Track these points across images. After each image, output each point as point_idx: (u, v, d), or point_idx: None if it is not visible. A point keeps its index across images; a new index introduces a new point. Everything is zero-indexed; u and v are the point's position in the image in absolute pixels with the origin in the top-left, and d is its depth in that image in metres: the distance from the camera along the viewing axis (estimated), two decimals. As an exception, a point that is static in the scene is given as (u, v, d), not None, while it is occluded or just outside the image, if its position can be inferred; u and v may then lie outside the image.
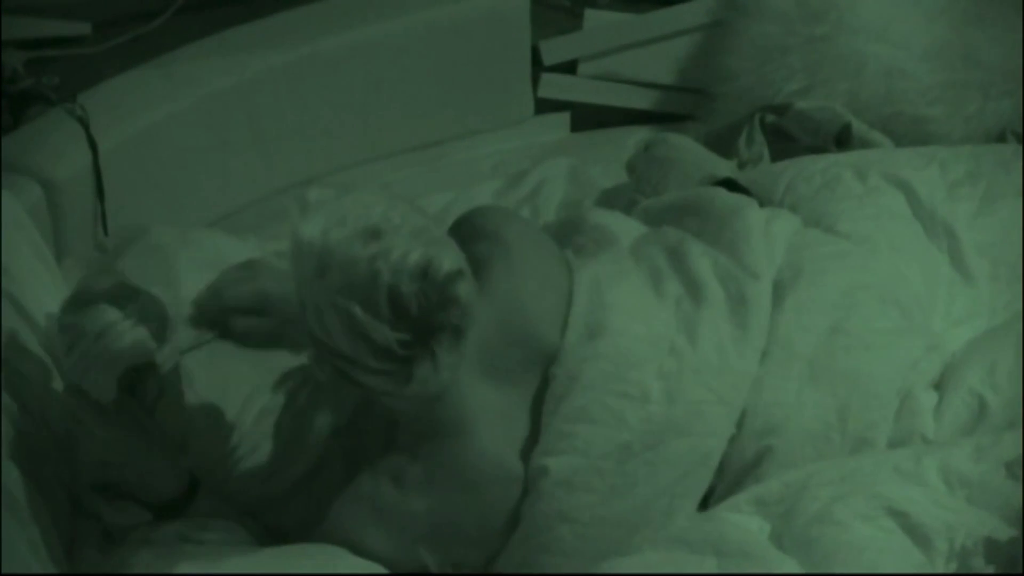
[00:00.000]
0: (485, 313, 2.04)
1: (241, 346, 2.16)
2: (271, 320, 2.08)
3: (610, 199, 2.76)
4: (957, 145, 2.66)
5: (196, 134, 2.80)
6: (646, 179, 2.65)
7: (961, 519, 1.98)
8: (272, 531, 2.16)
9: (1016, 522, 1.96)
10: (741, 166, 2.75)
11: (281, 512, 2.19)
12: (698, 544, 1.98)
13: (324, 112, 2.95)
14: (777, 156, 2.75)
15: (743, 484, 2.11)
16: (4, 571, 1.82)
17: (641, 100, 3.22)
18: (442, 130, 3.11)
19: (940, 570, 1.95)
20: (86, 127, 2.62)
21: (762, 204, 2.40)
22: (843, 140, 2.75)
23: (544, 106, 3.20)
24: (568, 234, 2.33)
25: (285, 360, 2.26)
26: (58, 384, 2.19)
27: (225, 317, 2.10)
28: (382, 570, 2.01)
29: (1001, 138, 2.81)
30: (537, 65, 3.16)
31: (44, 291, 2.29)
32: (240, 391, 2.24)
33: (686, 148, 2.71)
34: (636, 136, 3.10)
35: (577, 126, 3.23)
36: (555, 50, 3.16)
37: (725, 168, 2.63)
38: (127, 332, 2.06)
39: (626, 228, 2.33)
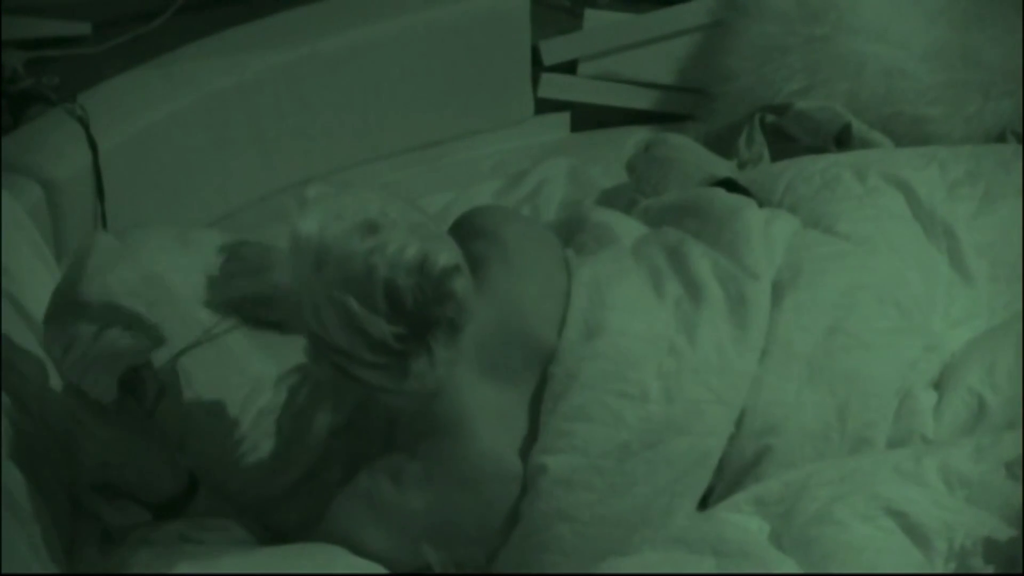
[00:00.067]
0: (483, 312, 2.04)
1: (253, 332, 2.17)
2: (279, 310, 2.08)
3: (610, 199, 2.76)
4: (957, 145, 2.66)
5: (196, 134, 2.80)
6: (646, 179, 2.65)
7: (960, 519, 1.98)
8: (272, 531, 2.16)
9: (1016, 522, 1.96)
10: (741, 166, 2.75)
11: (281, 512, 2.19)
12: (697, 544, 1.98)
13: (324, 112, 2.96)
14: (777, 156, 2.75)
15: (742, 484, 2.11)
16: (4, 571, 1.82)
17: (641, 100, 3.22)
18: (442, 130, 3.11)
19: (939, 570, 1.95)
20: (86, 127, 2.62)
21: (761, 204, 2.40)
22: (843, 140, 2.75)
23: (544, 106, 3.20)
24: (571, 232, 2.34)
25: (285, 360, 2.26)
26: (57, 384, 2.19)
27: (235, 305, 2.10)
28: (382, 570, 2.01)
29: (1001, 138, 2.81)
30: (537, 65, 3.16)
31: (44, 291, 2.29)
32: (240, 391, 2.24)
33: (686, 148, 2.71)
34: (636, 136, 3.10)
35: (577, 126, 3.23)
36: (555, 50, 3.16)
37: (725, 168, 2.63)
38: (127, 334, 2.07)
39: (628, 227, 2.33)
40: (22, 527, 1.93)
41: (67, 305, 2.11)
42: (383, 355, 1.91)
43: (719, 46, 3.08)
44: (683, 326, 2.14)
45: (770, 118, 2.83)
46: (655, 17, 3.17)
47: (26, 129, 2.68)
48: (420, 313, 1.90)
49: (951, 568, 1.95)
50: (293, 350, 2.04)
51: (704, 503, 2.12)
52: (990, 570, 1.93)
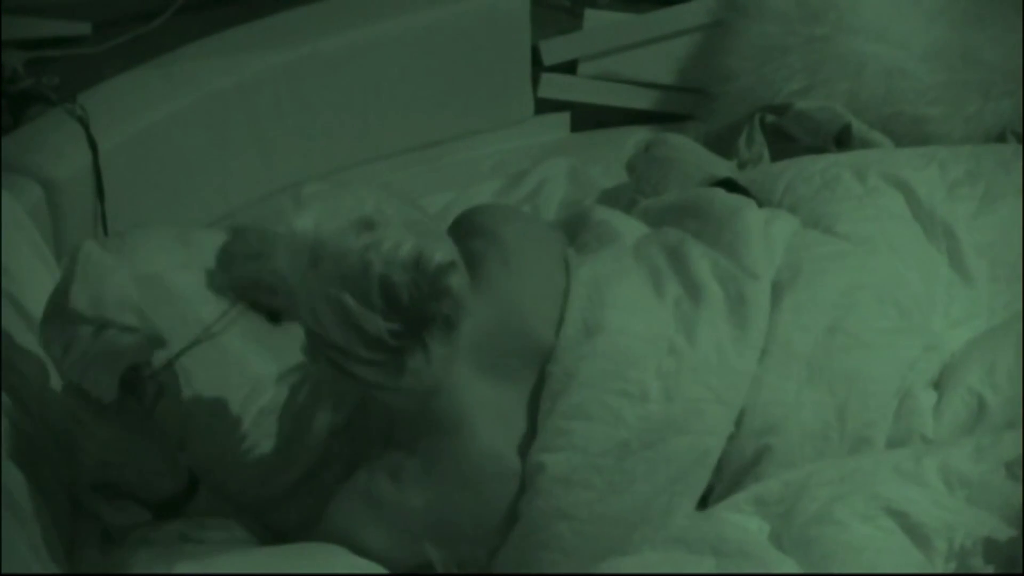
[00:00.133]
0: (480, 310, 2.05)
1: (252, 331, 2.18)
2: (281, 296, 2.07)
3: (610, 199, 2.76)
4: (957, 145, 2.66)
5: (196, 134, 2.80)
6: (646, 179, 2.65)
7: (960, 519, 1.98)
8: (272, 530, 2.16)
9: (1016, 522, 1.96)
10: (741, 166, 2.75)
11: (281, 512, 2.19)
12: (697, 544, 1.98)
13: (324, 112, 2.96)
14: (777, 156, 2.75)
15: (742, 483, 2.11)
16: (4, 571, 1.82)
17: (641, 100, 3.22)
18: (442, 130, 3.11)
19: (939, 570, 1.95)
20: (86, 127, 2.62)
21: (761, 204, 2.40)
22: (843, 140, 2.75)
23: (544, 106, 3.20)
24: (574, 231, 2.34)
25: (285, 359, 2.26)
26: (57, 384, 2.19)
27: (239, 290, 2.10)
28: (381, 570, 2.01)
29: (1001, 138, 2.81)
30: (537, 65, 3.16)
31: (44, 291, 2.28)
32: (240, 391, 2.24)
33: (686, 148, 2.71)
34: (636, 136, 3.10)
35: (577, 126, 3.23)
36: (555, 50, 3.16)
37: (725, 168, 2.63)
38: (127, 332, 2.06)
39: (630, 227, 2.33)
40: (22, 527, 1.93)
41: (63, 308, 2.11)
42: (379, 352, 1.92)
43: (719, 46, 3.08)
44: (683, 326, 2.14)
45: (770, 118, 2.83)
46: (655, 17, 3.17)
47: (26, 129, 2.68)
48: (416, 309, 1.90)
49: (951, 568, 1.95)
50: (293, 350, 2.04)
51: (704, 503, 2.12)
52: (990, 570, 1.93)
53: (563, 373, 2.07)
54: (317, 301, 1.90)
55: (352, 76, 2.96)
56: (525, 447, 2.06)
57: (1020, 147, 2.65)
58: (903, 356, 2.19)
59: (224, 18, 2.94)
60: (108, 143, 2.64)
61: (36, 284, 2.30)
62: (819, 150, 2.71)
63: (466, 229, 2.18)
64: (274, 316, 2.01)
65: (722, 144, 2.82)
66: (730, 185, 2.50)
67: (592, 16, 3.17)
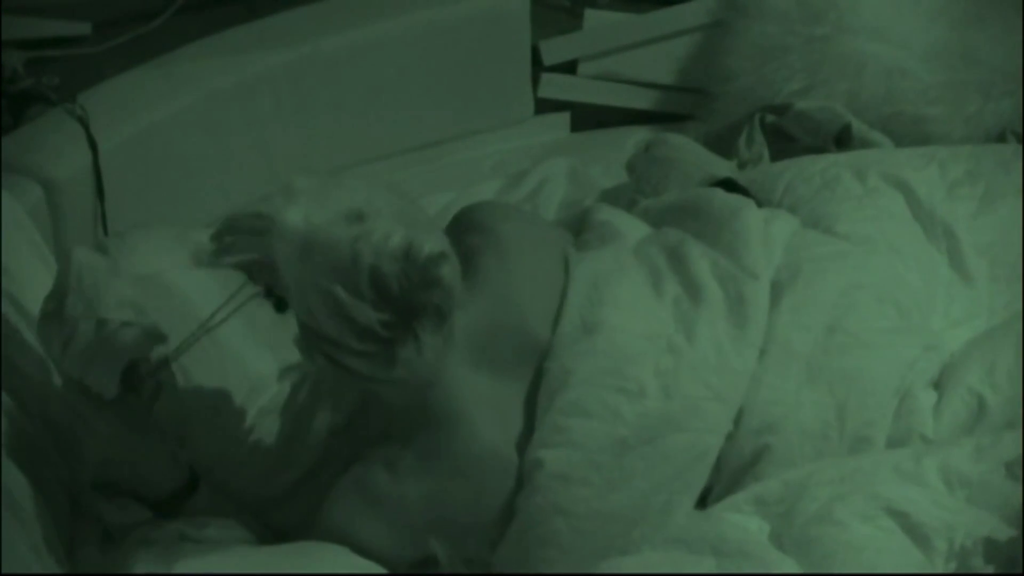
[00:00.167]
0: (476, 305, 2.05)
1: (252, 330, 2.19)
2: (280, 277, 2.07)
3: (610, 199, 2.76)
4: (957, 145, 2.66)
5: (196, 134, 2.80)
6: (646, 179, 2.65)
7: (960, 519, 1.98)
8: (273, 530, 2.16)
9: (1016, 522, 1.96)
10: (741, 166, 2.75)
11: (281, 512, 2.19)
12: (697, 544, 1.98)
13: (324, 112, 2.95)
14: (777, 156, 2.75)
15: (742, 483, 2.11)
16: (4, 571, 1.82)
17: (641, 100, 3.22)
18: (442, 130, 3.11)
19: (939, 570, 1.95)
20: (86, 127, 2.62)
21: (761, 204, 2.40)
22: (843, 140, 2.75)
23: (544, 106, 3.20)
24: (576, 231, 2.34)
25: (285, 358, 2.26)
26: (58, 383, 2.19)
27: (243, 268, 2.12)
28: (381, 570, 2.01)
29: (1001, 138, 2.81)
30: (537, 65, 3.16)
31: (44, 291, 2.28)
32: (240, 390, 2.24)
33: (686, 148, 2.71)
34: (636, 136, 3.10)
35: (577, 126, 3.23)
36: (555, 50, 3.16)
37: (725, 168, 2.64)
38: (127, 328, 2.06)
39: (632, 226, 2.34)
40: (22, 527, 1.93)
41: (60, 309, 2.11)
42: (370, 343, 1.92)
43: (719, 46, 3.08)
44: (682, 325, 2.14)
45: (770, 118, 2.83)
46: (655, 17, 3.17)
47: (26, 129, 2.67)
48: (406, 299, 1.91)
49: (951, 568, 1.95)
50: (293, 348, 2.04)
51: (703, 502, 2.12)
52: (990, 570, 1.93)
53: (560, 370, 2.08)
54: (308, 292, 1.90)
55: (352, 76, 2.96)
56: (523, 443, 2.06)
57: (1020, 147, 2.65)
58: (903, 356, 2.19)
59: (224, 18, 2.94)
60: (108, 143, 2.64)
61: (36, 284, 2.30)
62: (819, 150, 2.71)
63: (464, 225, 2.18)
64: (281, 304, 2.02)
65: (722, 144, 2.82)
66: (730, 185, 2.50)
67: (592, 16, 3.17)
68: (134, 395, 2.09)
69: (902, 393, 2.18)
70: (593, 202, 2.72)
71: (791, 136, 2.80)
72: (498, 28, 3.08)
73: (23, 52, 2.80)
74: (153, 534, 2.06)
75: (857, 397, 2.14)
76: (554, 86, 3.18)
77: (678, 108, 3.20)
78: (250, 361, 2.24)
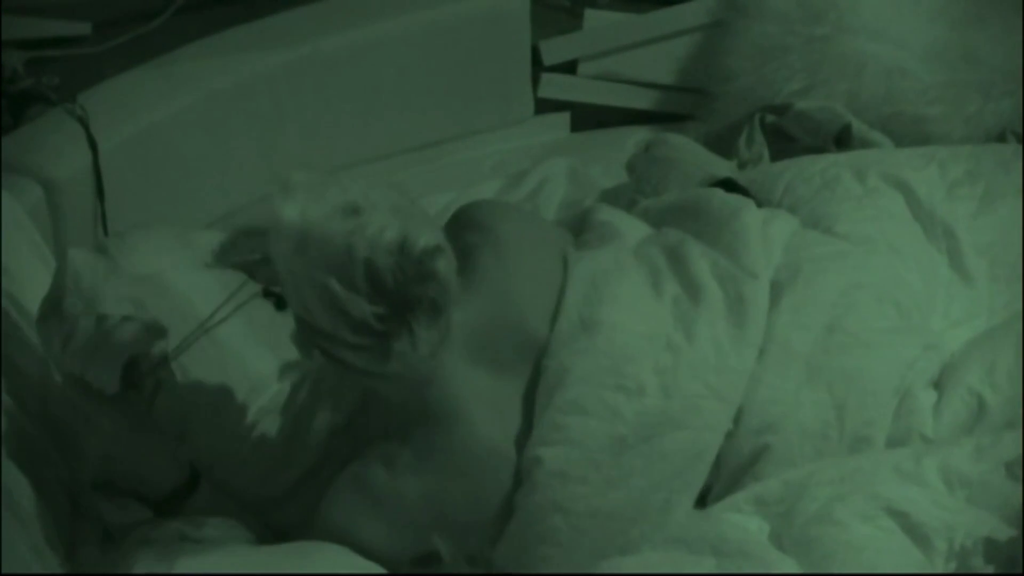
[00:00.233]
0: (475, 303, 2.06)
1: (251, 329, 2.20)
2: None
3: (610, 199, 2.76)
4: (957, 145, 2.66)
5: (196, 134, 2.80)
6: (646, 179, 2.65)
7: (960, 519, 1.98)
8: (273, 529, 2.16)
9: (1016, 522, 1.96)
10: (741, 166, 2.75)
11: (281, 512, 2.19)
12: (697, 544, 1.98)
13: (324, 112, 2.96)
14: (777, 156, 2.75)
15: (741, 482, 2.11)
16: (4, 571, 1.82)
17: (641, 100, 3.22)
18: (442, 130, 3.12)
19: (939, 570, 1.95)
20: (86, 127, 2.62)
21: (761, 204, 2.40)
22: (843, 140, 2.75)
23: (544, 106, 3.20)
24: (576, 231, 2.34)
25: (285, 358, 2.26)
26: (58, 382, 2.18)
27: (244, 269, 2.13)
28: (380, 570, 2.01)
29: (1001, 138, 2.81)
30: (537, 65, 3.16)
31: (44, 291, 2.29)
32: (240, 389, 2.24)
33: (686, 148, 2.71)
34: (636, 136, 3.11)
35: (577, 126, 3.23)
36: (555, 50, 3.16)
37: (725, 168, 2.64)
38: (127, 324, 2.07)
39: (632, 227, 2.34)
40: (22, 527, 1.93)
41: (59, 308, 2.11)
42: (365, 336, 1.92)
43: (719, 46, 3.08)
44: (681, 324, 2.14)
45: (770, 118, 2.83)
46: (655, 17, 3.18)
47: (26, 129, 2.68)
48: (400, 293, 1.91)
49: (951, 568, 1.95)
50: (292, 348, 2.04)
51: (703, 502, 2.12)
52: (990, 570, 1.93)
53: (558, 368, 2.08)
54: (303, 286, 1.91)
55: (352, 76, 2.96)
56: (522, 440, 2.06)
57: (1020, 147, 2.65)
58: (902, 355, 2.19)
59: (224, 18, 2.94)
60: (108, 143, 2.64)
61: (36, 284, 2.30)
62: (819, 150, 2.71)
63: (463, 224, 2.19)
64: (280, 304, 2.02)
65: (722, 144, 2.82)
66: (730, 185, 2.50)
67: (592, 16, 3.17)
68: (134, 392, 2.09)
69: (902, 393, 2.18)
70: (593, 202, 2.72)
71: (791, 136, 2.80)
72: (498, 28, 3.08)
73: (23, 52, 2.80)
74: (153, 534, 2.06)
75: (857, 396, 2.14)
76: (554, 86, 3.18)
77: (678, 108, 3.21)
78: (250, 360, 2.24)
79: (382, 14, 3.00)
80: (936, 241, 2.38)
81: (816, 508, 2.01)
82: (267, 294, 2.28)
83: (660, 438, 2.06)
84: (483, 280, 2.11)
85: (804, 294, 2.21)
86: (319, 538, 2.05)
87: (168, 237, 2.42)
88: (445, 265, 1.94)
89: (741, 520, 2.04)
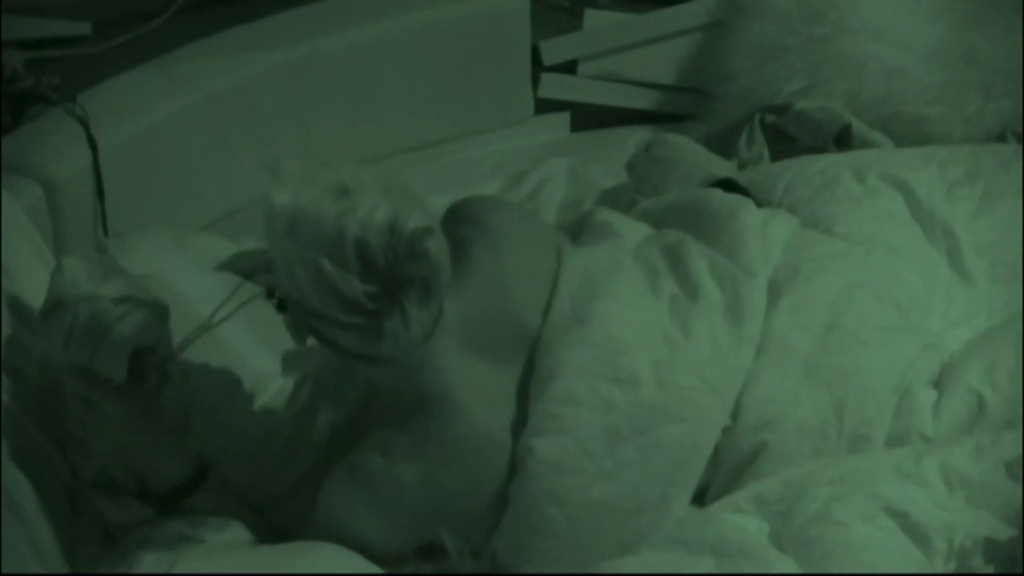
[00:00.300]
0: (469, 293, 2.07)
1: (252, 327, 2.20)
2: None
3: (610, 199, 2.76)
4: (957, 145, 2.66)
5: (196, 134, 2.80)
6: (646, 179, 2.65)
7: (960, 519, 1.98)
8: (275, 528, 2.16)
9: (1016, 522, 1.97)
10: (741, 166, 2.75)
11: (282, 510, 2.19)
12: (696, 544, 1.98)
13: (324, 112, 2.96)
14: (777, 156, 2.75)
15: (740, 480, 2.11)
16: (4, 571, 1.82)
17: (641, 100, 3.23)
18: (442, 130, 3.12)
19: (939, 570, 1.95)
20: (86, 127, 2.62)
21: (760, 205, 2.41)
22: (843, 140, 2.76)
23: (544, 106, 3.20)
24: (575, 233, 2.35)
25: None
26: (60, 380, 2.18)
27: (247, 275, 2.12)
28: (378, 570, 2.01)
29: (1001, 138, 2.81)
30: (537, 65, 3.16)
31: (44, 291, 2.29)
32: (239, 389, 2.24)
33: (686, 148, 2.72)
34: (636, 136, 3.11)
35: (577, 126, 3.23)
36: (555, 50, 3.16)
37: (725, 168, 2.64)
38: (132, 312, 2.07)
39: (632, 229, 2.34)
40: (22, 527, 1.93)
41: (60, 302, 2.11)
42: (357, 315, 1.93)
43: (719, 46, 3.08)
44: (678, 320, 2.15)
45: (770, 118, 2.83)
46: (655, 17, 3.18)
47: (26, 129, 2.67)
48: (392, 272, 1.91)
49: (951, 568, 1.95)
50: (292, 346, 2.05)
51: (701, 499, 2.12)
52: (990, 570, 1.93)
53: (551, 358, 2.08)
54: (295, 266, 1.91)
55: (352, 76, 2.96)
56: (518, 430, 2.06)
57: (1020, 147, 2.65)
58: (902, 354, 2.20)
59: (224, 18, 2.94)
60: (108, 143, 2.64)
61: (36, 284, 2.30)
62: (819, 150, 2.72)
63: (457, 218, 2.20)
64: (281, 305, 2.03)
65: (722, 144, 2.82)
66: (730, 185, 2.50)
67: (592, 16, 3.18)
68: (139, 385, 2.09)
69: (902, 391, 2.18)
70: (593, 205, 2.72)
71: (791, 136, 2.80)
72: (498, 28, 3.08)
73: (23, 52, 2.80)
74: (153, 534, 2.06)
75: (856, 395, 2.14)
76: (554, 86, 3.19)
77: (678, 108, 3.21)
78: (251, 359, 2.25)
79: (382, 14, 3.00)
80: (936, 241, 2.38)
81: (816, 508, 2.01)
82: (269, 295, 2.28)
83: (655, 430, 2.07)
84: (477, 272, 2.12)
85: (803, 293, 2.21)
86: (317, 531, 2.05)
87: (167, 239, 2.42)
88: (436, 246, 1.95)
89: (741, 520, 2.04)
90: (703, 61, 3.15)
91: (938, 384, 2.22)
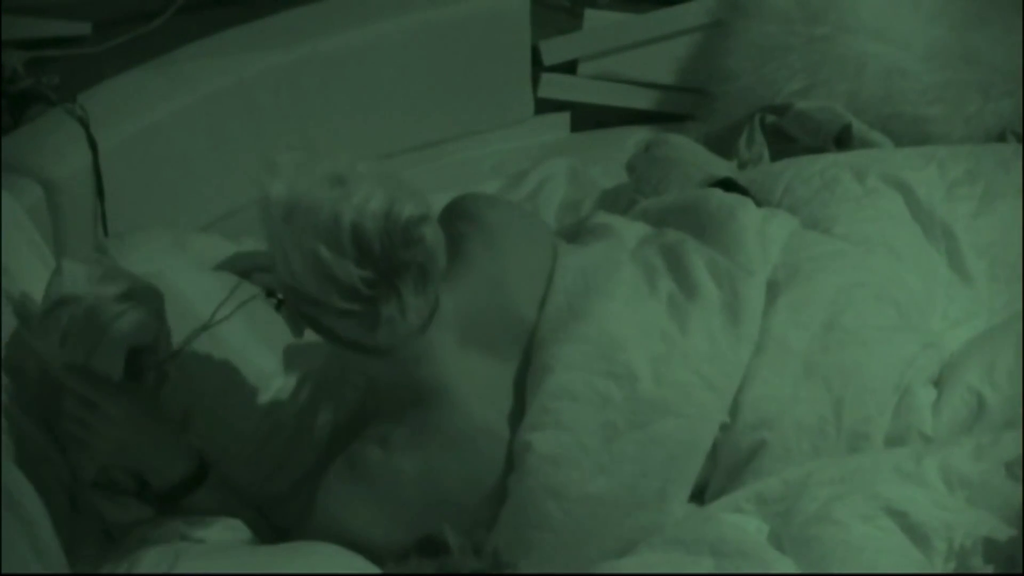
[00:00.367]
0: (465, 287, 2.07)
1: (252, 327, 2.20)
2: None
3: (610, 199, 2.77)
4: (957, 145, 2.66)
5: (196, 134, 2.80)
6: (646, 179, 2.65)
7: (960, 519, 1.98)
8: (275, 528, 2.16)
9: (1016, 522, 1.96)
10: (741, 166, 2.75)
11: (282, 510, 2.19)
12: (695, 544, 1.98)
13: (324, 112, 2.96)
14: (777, 156, 2.75)
15: (739, 478, 2.11)
16: (4, 571, 1.82)
17: (641, 100, 3.23)
18: (442, 130, 3.12)
19: (939, 570, 1.95)
20: (86, 127, 2.62)
21: (760, 205, 2.41)
22: (843, 140, 2.76)
23: (544, 106, 3.20)
24: (575, 235, 2.35)
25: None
26: (60, 380, 2.18)
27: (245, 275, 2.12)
28: (378, 570, 2.01)
29: (1001, 138, 2.82)
30: (537, 65, 3.16)
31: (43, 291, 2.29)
32: (239, 389, 2.24)
33: (686, 148, 2.72)
34: (636, 136, 3.11)
35: (577, 126, 3.23)
36: (555, 50, 3.16)
37: (725, 168, 2.64)
38: (129, 311, 2.07)
39: (631, 230, 2.34)
40: (22, 527, 1.93)
41: (60, 298, 2.11)
42: (353, 301, 1.93)
43: (719, 46, 3.08)
44: (675, 317, 2.15)
45: (770, 118, 2.83)
46: (655, 17, 3.18)
47: (26, 129, 2.68)
48: (388, 257, 1.92)
49: (951, 568, 1.95)
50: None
51: (700, 498, 2.12)
52: (990, 570, 1.93)
53: (547, 354, 2.09)
54: (291, 253, 1.92)
55: (352, 76, 2.96)
56: (515, 424, 2.07)
57: (1020, 147, 2.65)
58: (901, 353, 2.19)
59: (224, 18, 2.94)
60: (108, 143, 2.64)
61: (36, 284, 2.30)
62: (819, 150, 2.72)
63: (454, 214, 2.21)
64: (281, 305, 2.03)
65: (722, 144, 2.82)
66: (730, 185, 2.50)
67: (592, 16, 3.18)
68: (137, 383, 2.09)
69: (901, 390, 2.18)
70: (592, 208, 2.73)
71: (791, 136, 2.80)
72: (498, 28, 3.09)
73: (23, 52, 2.80)
74: (153, 534, 2.06)
75: (855, 393, 2.14)
76: (554, 86, 3.19)
77: (678, 108, 3.21)
78: (251, 359, 2.25)
79: (382, 14, 3.00)
80: (935, 241, 2.38)
81: (816, 507, 2.01)
82: (269, 295, 2.28)
83: (651, 425, 2.07)
84: (474, 267, 2.12)
85: (802, 293, 2.21)
86: (317, 526, 2.06)
87: (167, 238, 2.42)
88: (432, 232, 1.95)
89: (740, 520, 2.04)
90: (703, 61, 3.15)
91: (938, 383, 2.22)
